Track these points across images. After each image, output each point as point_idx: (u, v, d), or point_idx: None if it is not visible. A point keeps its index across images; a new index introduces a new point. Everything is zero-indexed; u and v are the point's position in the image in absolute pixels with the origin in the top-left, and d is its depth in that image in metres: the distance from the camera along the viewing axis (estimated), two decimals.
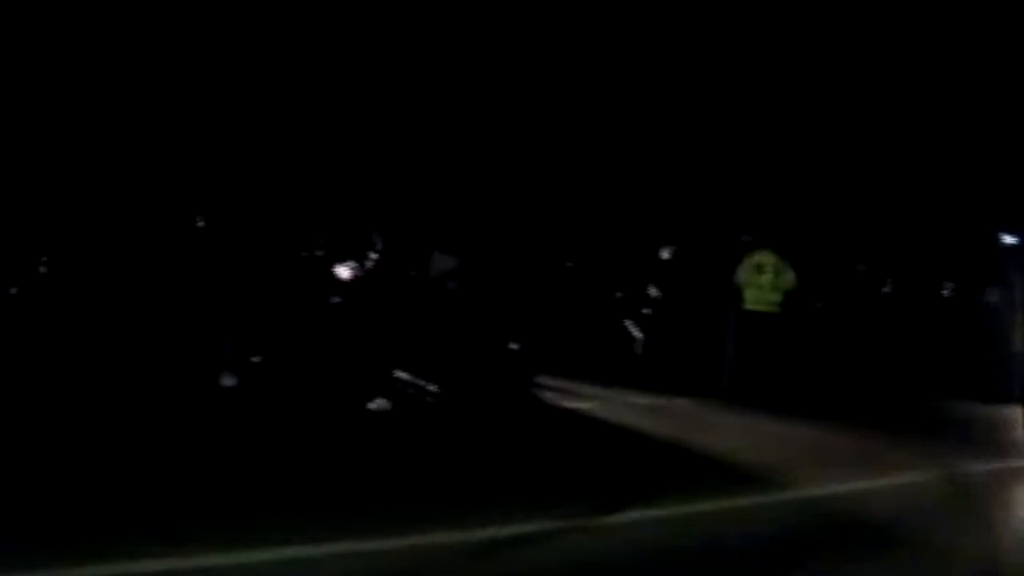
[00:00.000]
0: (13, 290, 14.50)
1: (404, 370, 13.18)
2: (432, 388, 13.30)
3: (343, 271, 14.20)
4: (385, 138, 16.23)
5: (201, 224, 15.47)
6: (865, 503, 9.70)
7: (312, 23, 15.81)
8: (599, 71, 18.76)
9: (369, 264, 13.93)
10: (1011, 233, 23.01)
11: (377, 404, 12.37)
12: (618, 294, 22.39)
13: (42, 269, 15.00)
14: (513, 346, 14.47)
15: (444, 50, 16.70)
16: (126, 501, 7.31)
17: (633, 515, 8.26)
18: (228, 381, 12.49)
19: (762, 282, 19.53)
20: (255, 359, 13.20)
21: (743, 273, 19.67)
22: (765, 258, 19.68)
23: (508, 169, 18.15)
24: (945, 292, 25.64)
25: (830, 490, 10.08)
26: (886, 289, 25.42)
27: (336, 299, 14.19)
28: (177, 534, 6.50)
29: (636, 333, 21.93)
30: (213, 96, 15.12)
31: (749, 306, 19.53)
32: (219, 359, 12.70)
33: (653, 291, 22.60)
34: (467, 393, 13.29)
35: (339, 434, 11.02)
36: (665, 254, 23.19)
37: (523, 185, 18.41)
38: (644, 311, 22.25)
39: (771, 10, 19.56)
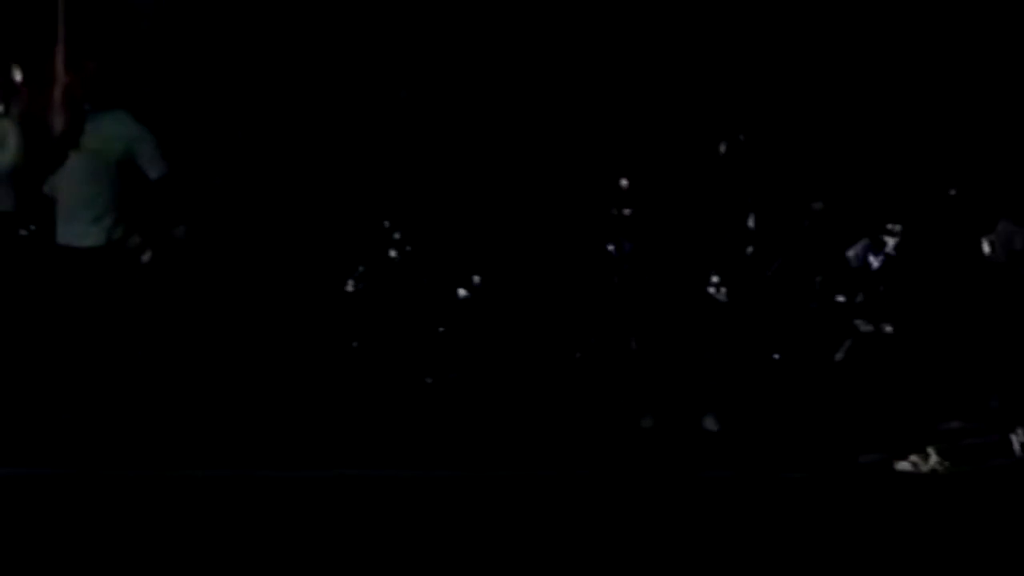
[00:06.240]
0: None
1: (959, 412, 9.40)
2: (997, 438, 9.39)
3: (853, 255, 10.32)
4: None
5: None
6: None
7: None
8: None
9: (889, 248, 9.67)
10: None
11: (914, 462, 8.55)
12: None
13: None
14: None
15: None
16: None
17: None
18: (710, 424, 9.46)
19: None
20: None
21: None
22: None
23: None
24: None
25: None
26: None
27: (841, 298, 10.29)
28: None
29: None
30: None
31: None
32: (703, 395, 9.71)
33: None
34: None
35: (852, 511, 7.56)
36: None
37: None
38: None
39: None
